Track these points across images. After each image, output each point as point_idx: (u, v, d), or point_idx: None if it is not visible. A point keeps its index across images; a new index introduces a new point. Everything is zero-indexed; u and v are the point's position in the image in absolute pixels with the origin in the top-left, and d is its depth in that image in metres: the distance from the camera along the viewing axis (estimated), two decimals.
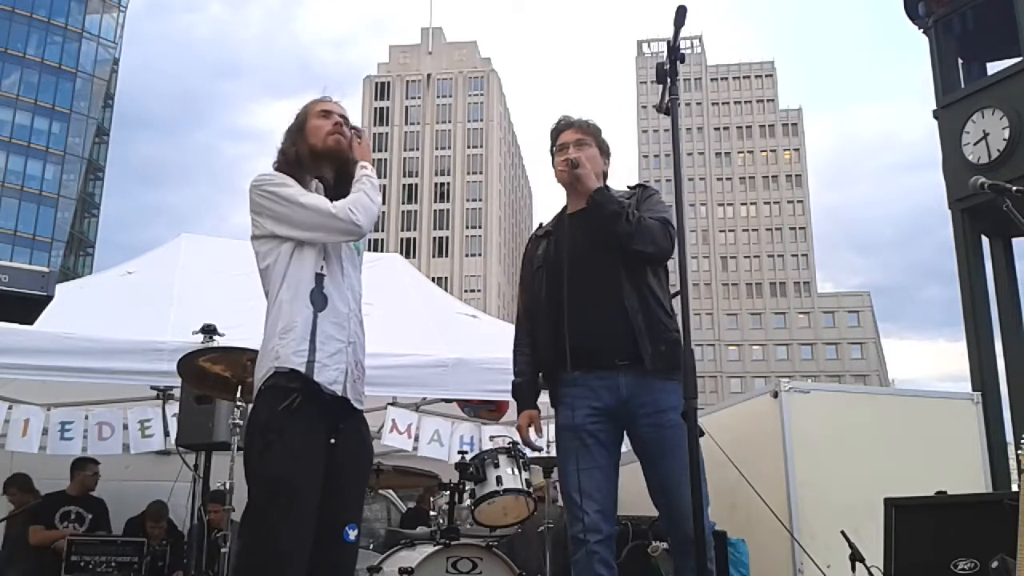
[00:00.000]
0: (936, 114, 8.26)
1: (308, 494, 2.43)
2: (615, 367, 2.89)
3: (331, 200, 2.68)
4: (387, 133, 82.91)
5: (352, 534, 2.55)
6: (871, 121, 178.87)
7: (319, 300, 2.59)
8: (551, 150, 3.20)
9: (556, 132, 3.19)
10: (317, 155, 2.72)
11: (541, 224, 3.28)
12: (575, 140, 3.11)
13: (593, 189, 2.98)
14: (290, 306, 2.56)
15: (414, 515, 6.37)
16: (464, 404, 6.11)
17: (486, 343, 5.82)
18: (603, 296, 2.92)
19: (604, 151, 3.18)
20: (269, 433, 2.45)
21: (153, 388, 4.95)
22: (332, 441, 2.53)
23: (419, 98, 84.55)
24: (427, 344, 5.34)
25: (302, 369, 2.49)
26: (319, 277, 2.60)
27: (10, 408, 5.10)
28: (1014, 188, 2.98)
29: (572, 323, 2.92)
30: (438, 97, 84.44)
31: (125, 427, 5.36)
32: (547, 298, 3.03)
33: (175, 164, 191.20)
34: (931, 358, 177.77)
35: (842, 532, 4.56)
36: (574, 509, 2.84)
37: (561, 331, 2.93)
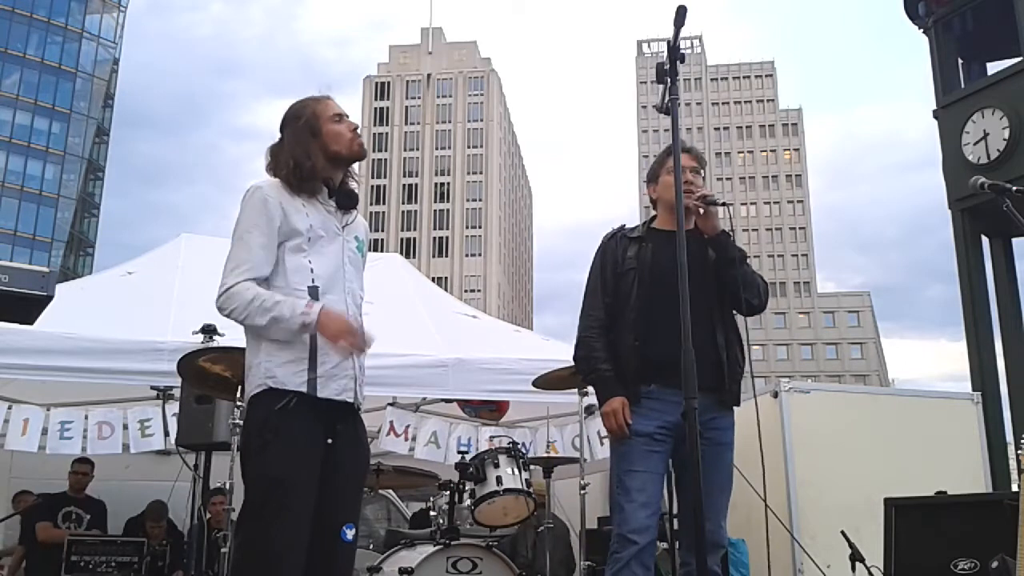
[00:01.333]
0: (936, 114, 8.26)
1: (303, 494, 2.42)
2: None
3: (336, 204, 2.69)
4: (387, 133, 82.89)
5: (350, 534, 2.54)
6: (874, 120, 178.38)
7: None
8: (660, 167, 3.23)
9: (668, 153, 3.18)
10: (339, 161, 2.69)
11: (624, 226, 3.30)
12: (692, 167, 3.15)
13: (720, 230, 3.08)
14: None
15: (423, 517, 6.33)
16: (464, 404, 6.11)
17: (486, 343, 5.82)
18: (699, 324, 2.91)
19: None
20: (266, 432, 2.44)
21: (153, 388, 4.95)
22: (329, 441, 2.53)
23: (419, 98, 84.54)
24: (427, 344, 5.33)
25: (304, 389, 2.47)
26: (313, 290, 2.56)
27: (10, 408, 5.10)
28: (1014, 188, 2.98)
29: (664, 338, 2.92)
30: (438, 97, 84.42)
31: (125, 427, 5.36)
32: (638, 302, 3.06)
33: (177, 163, 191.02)
34: (933, 358, 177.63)
35: (842, 532, 4.57)
36: (631, 508, 2.90)
37: (650, 341, 2.99)
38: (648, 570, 2.86)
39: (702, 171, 3.23)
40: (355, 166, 2.82)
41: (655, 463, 2.98)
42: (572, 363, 3.43)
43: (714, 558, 2.88)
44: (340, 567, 2.56)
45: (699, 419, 2.83)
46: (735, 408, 3.14)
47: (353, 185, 2.79)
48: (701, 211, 3.07)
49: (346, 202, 2.74)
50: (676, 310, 2.89)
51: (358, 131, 2.73)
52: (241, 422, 3.00)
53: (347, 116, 2.74)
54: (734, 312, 3.16)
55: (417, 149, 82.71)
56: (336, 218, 2.70)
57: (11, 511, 6.03)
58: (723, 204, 3.08)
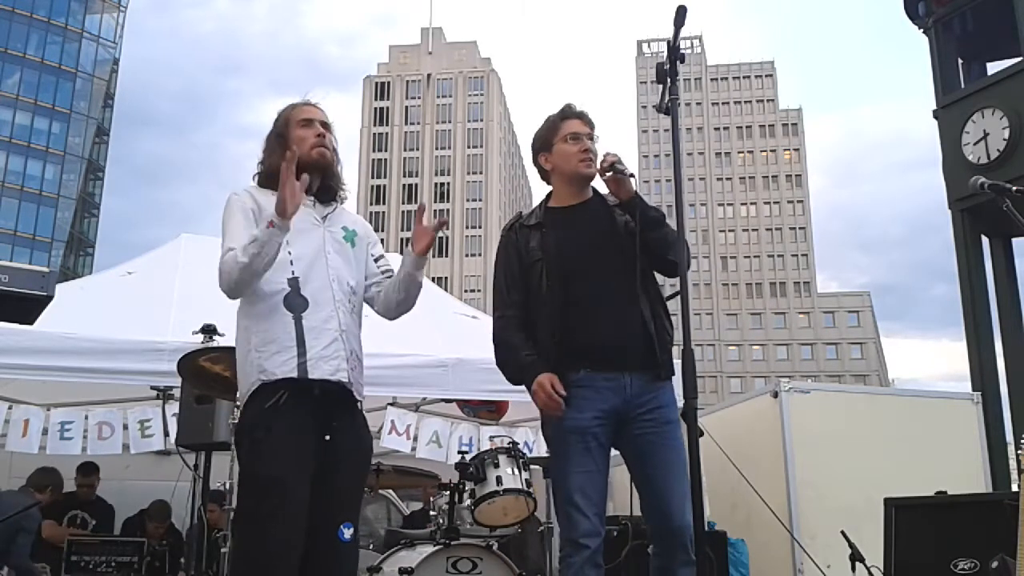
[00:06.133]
0: (936, 114, 8.26)
1: (296, 492, 2.41)
2: (623, 369, 2.85)
3: (315, 198, 2.75)
4: (387, 133, 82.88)
5: (348, 533, 2.53)
6: (876, 119, 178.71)
7: (299, 303, 2.58)
8: (554, 135, 3.06)
9: (562, 118, 3.07)
10: (299, 167, 2.65)
11: (521, 213, 3.15)
12: (587, 133, 3.03)
13: (633, 193, 2.90)
14: (267, 318, 2.56)
15: (422, 516, 6.31)
16: (464, 404, 6.11)
17: (486, 343, 5.79)
18: (618, 299, 2.87)
19: None
20: (256, 431, 2.45)
21: (153, 388, 4.94)
22: (327, 438, 2.52)
23: (419, 98, 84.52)
24: (427, 344, 5.33)
25: (294, 374, 2.49)
26: (292, 281, 2.59)
27: (10, 408, 5.08)
28: (1014, 188, 2.98)
29: (586, 323, 2.87)
30: (438, 97, 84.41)
31: (125, 427, 5.35)
32: (550, 294, 2.93)
33: (179, 161, 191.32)
34: (936, 357, 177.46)
35: (842, 532, 4.57)
36: (575, 513, 2.79)
37: (571, 329, 2.87)
38: (599, 567, 2.79)
39: (595, 136, 3.05)
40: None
41: (594, 460, 2.82)
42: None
43: (685, 554, 2.71)
44: (340, 568, 2.54)
45: (639, 400, 2.82)
46: (672, 381, 2.92)
47: (333, 184, 2.81)
48: (615, 175, 2.87)
49: (323, 196, 2.78)
50: (592, 295, 2.87)
51: (323, 138, 2.75)
52: None
53: (318, 122, 2.76)
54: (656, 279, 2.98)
55: (417, 149, 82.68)
56: (315, 210, 2.75)
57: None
58: (631, 175, 2.87)
